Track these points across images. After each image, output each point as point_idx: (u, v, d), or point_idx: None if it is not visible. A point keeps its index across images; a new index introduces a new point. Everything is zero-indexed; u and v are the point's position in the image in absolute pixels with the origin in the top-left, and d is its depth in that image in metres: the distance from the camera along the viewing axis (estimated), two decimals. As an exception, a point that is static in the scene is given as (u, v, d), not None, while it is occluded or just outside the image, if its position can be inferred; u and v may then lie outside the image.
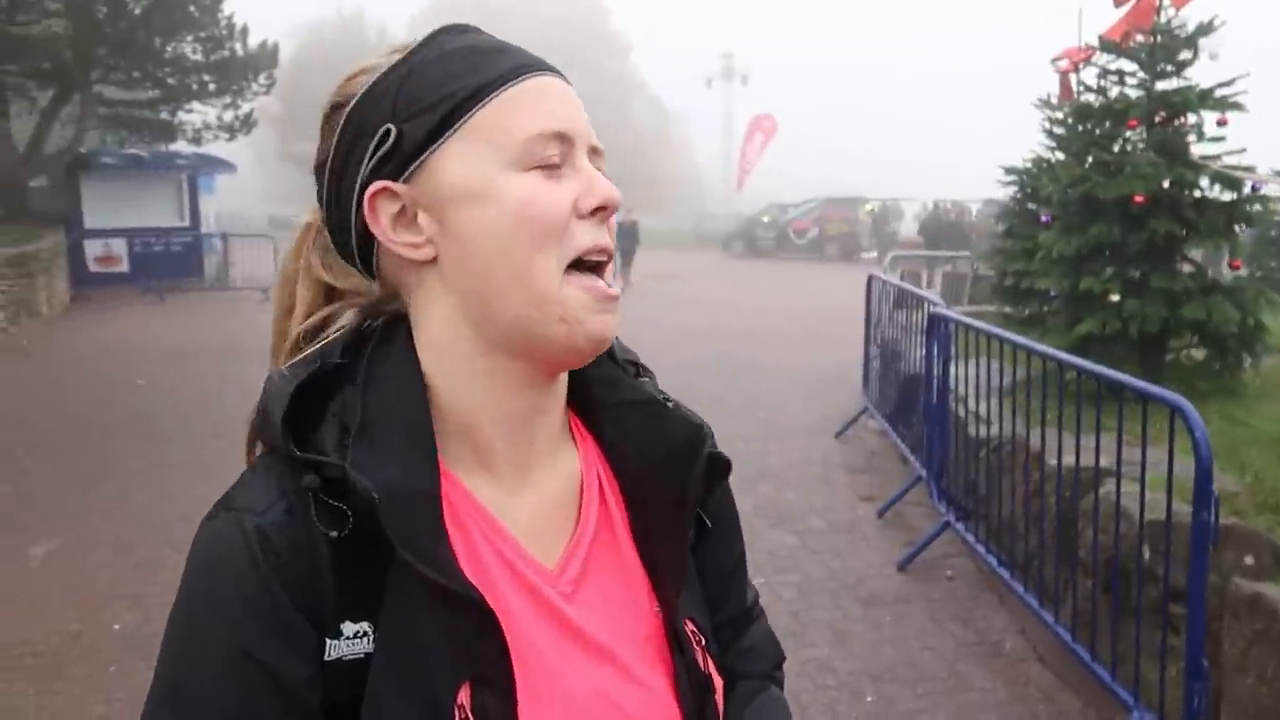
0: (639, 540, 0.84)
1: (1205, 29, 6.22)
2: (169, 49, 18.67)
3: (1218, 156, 6.10)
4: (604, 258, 0.79)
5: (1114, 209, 6.02)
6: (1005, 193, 10.06)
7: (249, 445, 0.78)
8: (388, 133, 0.76)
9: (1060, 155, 8.66)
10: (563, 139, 0.77)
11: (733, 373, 10.25)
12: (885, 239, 28.94)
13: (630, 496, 0.85)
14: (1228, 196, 6.06)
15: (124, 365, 10.45)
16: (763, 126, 39.58)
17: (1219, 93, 6.08)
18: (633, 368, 0.90)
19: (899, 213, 32.28)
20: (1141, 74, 6.37)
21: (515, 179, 0.75)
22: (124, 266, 17.93)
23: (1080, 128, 7.26)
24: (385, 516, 0.69)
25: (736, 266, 26.93)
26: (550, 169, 0.76)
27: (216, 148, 20.65)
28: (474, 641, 0.72)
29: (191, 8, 18.50)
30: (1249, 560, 3.34)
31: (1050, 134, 9.16)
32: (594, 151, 0.80)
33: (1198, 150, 6.18)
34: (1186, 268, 6.19)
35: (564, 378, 0.83)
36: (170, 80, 19.10)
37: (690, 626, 0.83)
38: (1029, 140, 9.50)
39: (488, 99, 0.76)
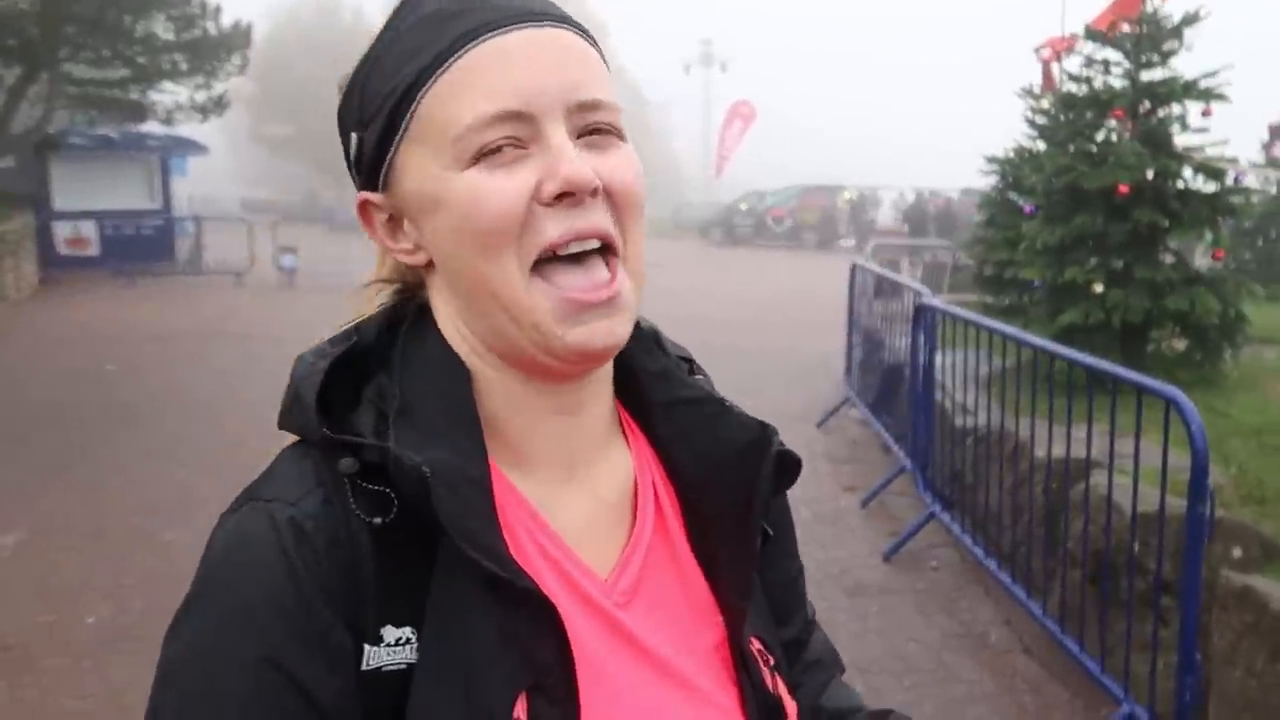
0: (696, 547, 0.77)
1: (1190, 19, 6.23)
2: (139, 27, 18.36)
3: (1201, 148, 6.13)
4: (585, 246, 0.67)
5: (1098, 199, 6.02)
6: (986, 182, 10.10)
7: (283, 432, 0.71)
8: (355, 141, 0.71)
9: (1043, 145, 8.68)
10: (515, 117, 0.65)
11: (712, 361, 10.02)
12: (863, 227, 29.08)
13: (687, 500, 0.78)
14: (1211, 188, 6.08)
15: (94, 350, 10.27)
16: (741, 113, 39.55)
17: (1203, 84, 6.09)
18: (685, 364, 0.82)
19: (876, 201, 32.43)
20: (1126, 64, 6.37)
21: (458, 179, 0.66)
22: (94, 249, 17.67)
23: (1063, 117, 7.27)
24: (436, 496, 0.62)
25: (715, 254, 26.90)
26: (499, 156, 0.66)
27: (188, 129, 20.36)
28: (531, 644, 0.64)
29: (163, -15, 18.20)
30: (1237, 552, 3.35)
31: (1033, 124, 9.18)
32: (586, 108, 0.67)
33: (1181, 141, 6.21)
34: (1169, 259, 6.22)
35: (603, 375, 0.75)
36: (141, 59, 18.80)
37: (756, 645, 0.76)
38: (1010, 130, 9.54)
39: (427, 88, 0.67)
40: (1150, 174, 5.96)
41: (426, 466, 0.62)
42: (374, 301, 0.76)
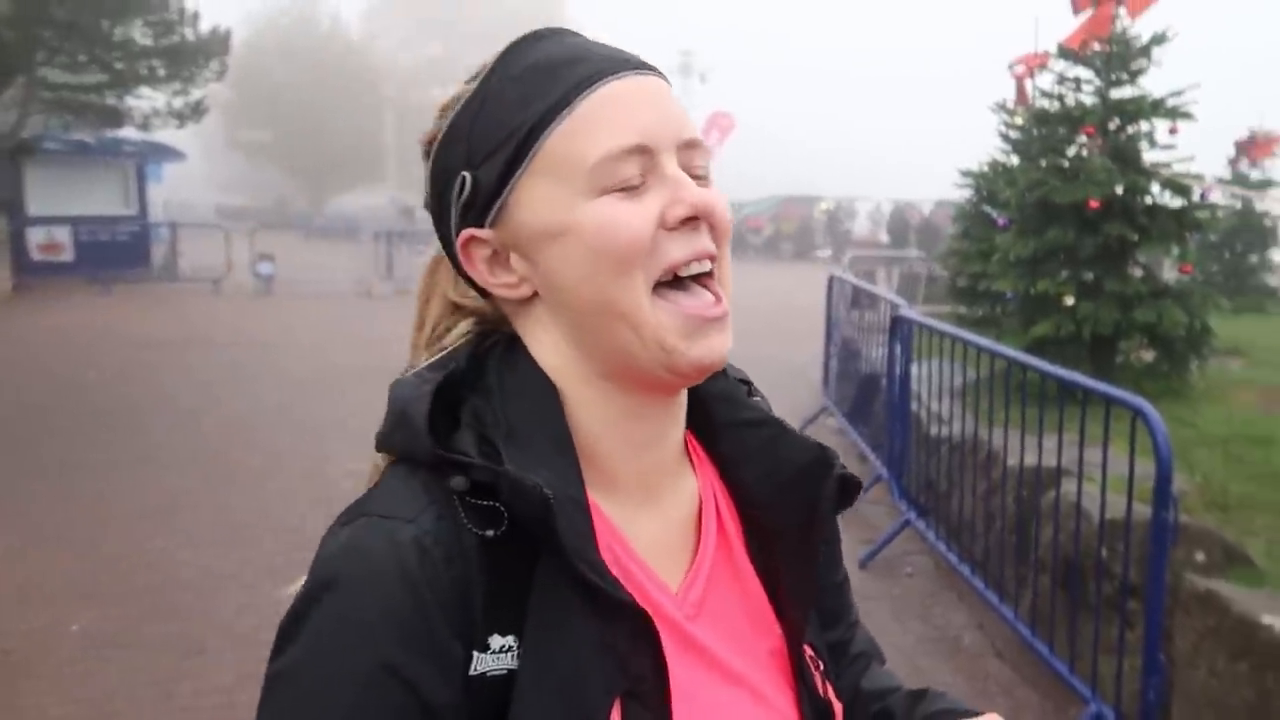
0: (756, 561, 0.83)
1: (1159, 39, 6.39)
2: (117, 32, 18.16)
3: (1168, 164, 6.29)
4: (705, 266, 0.74)
5: (1069, 213, 6.16)
6: (960, 195, 10.24)
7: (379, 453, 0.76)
8: (464, 181, 0.75)
9: (1016, 159, 8.83)
10: (641, 151, 0.72)
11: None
12: (840, 237, 29.34)
13: (747, 517, 0.83)
14: (1178, 203, 6.24)
15: (73, 357, 10.21)
16: (720, 124, 39.64)
17: (1170, 102, 6.26)
18: (744, 385, 0.87)
19: (852, 212, 32.72)
20: (1097, 81, 6.53)
21: (589, 207, 0.72)
22: (68, 255, 17.46)
23: (1036, 132, 7.41)
24: (557, 516, 0.67)
25: (693, 263, 26.98)
26: (628, 189, 0.72)
27: (164, 135, 20.21)
28: (627, 654, 0.69)
29: (141, -10, 18.07)
30: (1200, 557, 3.46)
31: (1006, 138, 9.33)
32: (688, 146, 0.75)
33: (1150, 157, 6.36)
34: (1138, 272, 6.37)
35: (683, 400, 0.81)
36: (118, 64, 18.59)
37: (809, 651, 0.83)
38: (984, 144, 9.69)
39: (552, 126, 0.73)
40: (1120, 189, 6.11)
41: (547, 489, 0.68)
42: (422, 347, 0.81)
